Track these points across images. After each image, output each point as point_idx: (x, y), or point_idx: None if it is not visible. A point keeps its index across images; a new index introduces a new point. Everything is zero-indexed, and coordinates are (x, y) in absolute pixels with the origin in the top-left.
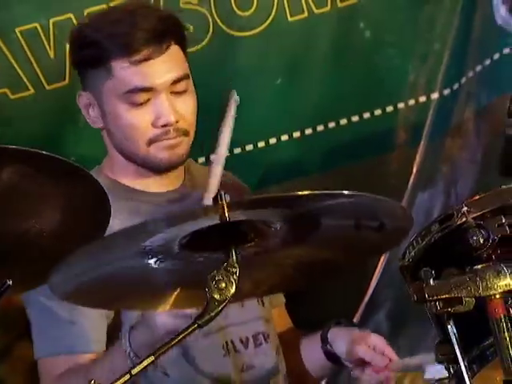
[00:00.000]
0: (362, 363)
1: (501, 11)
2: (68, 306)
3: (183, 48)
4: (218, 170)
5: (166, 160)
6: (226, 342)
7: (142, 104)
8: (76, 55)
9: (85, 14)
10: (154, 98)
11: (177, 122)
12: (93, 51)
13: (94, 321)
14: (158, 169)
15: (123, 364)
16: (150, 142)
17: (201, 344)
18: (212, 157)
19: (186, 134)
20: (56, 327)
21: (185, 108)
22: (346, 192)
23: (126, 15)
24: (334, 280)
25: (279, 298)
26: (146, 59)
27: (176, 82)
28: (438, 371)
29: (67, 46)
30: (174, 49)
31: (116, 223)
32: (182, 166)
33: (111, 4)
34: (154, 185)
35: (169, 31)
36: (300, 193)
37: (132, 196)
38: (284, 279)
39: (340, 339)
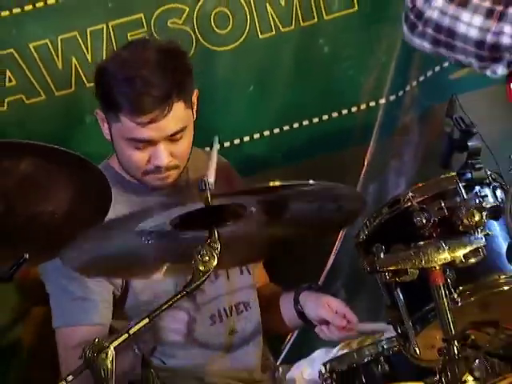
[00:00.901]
0: (326, 322)
1: (404, 29)
2: (80, 284)
3: (186, 99)
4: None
5: (158, 186)
6: (218, 311)
7: (141, 148)
8: (95, 84)
9: (87, 31)
10: (152, 146)
11: (169, 161)
12: (107, 99)
13: (102, 297)
14: (153, 189)
15: None
16: (145, 173)
17: (196, 316)
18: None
19: (176, 167)
20: (70, 302)
21: (178, 150)
22: (311, 181)
23: (134, 74)
24: (300, 252)
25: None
26: (150, 122)
27: (174, 134)
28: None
29: (73, 59)
30: (178, 106)
31: (118, 209)
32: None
33: (111, 24)
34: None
35: (174, 90)
36: (271, 184)
37: (129, 184)
38: (259, 251)
39: (309, 302)
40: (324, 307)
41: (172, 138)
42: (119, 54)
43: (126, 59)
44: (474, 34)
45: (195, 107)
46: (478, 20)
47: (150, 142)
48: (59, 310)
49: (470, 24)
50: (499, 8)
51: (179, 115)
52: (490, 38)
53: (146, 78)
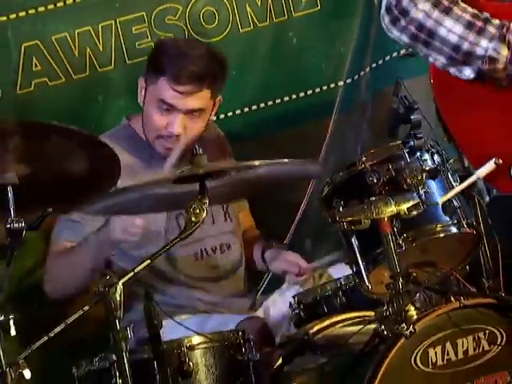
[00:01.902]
0: (285, 272)
1: (385, 20)
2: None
3: (214, 90)
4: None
5: (162, 154)
6: (201, 250)
7: (164, 111)
8: (149, 55)
9: (99, 26)
10: (173, 113)
11: (179, 135)
12: (156, 62)
13: (91, 224)
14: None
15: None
16: (157, 137)
17: (183, 252)
18: None
19: (178, 140)
20: (66, 222)
21: (191, 127)
22: (286, 160)
23: (186, 53)
24: (275, 205)
25: (244, 204)
26: (181, 92)
27: (193, 111)
28: (342, 271)
29: (87, 49)
30: (205, 92)
31: (128, 160)
32: None
33: (118, 20)
34: None
35: (209, 79)
36: (254, 163)
37: (144, 144)
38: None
39: (272, 260)
40: (282, 261)
41: (191, 114)
42: (179, 39)
43: (184, 42)
44: (453, 39)
45: (215, 111)
46: (458, 28)
47: (173, 109)
48: (57, 227)
49: (451, 30)
50: (479, 23)
51: (203, 99)
52: (466, 45)
53: (194, 60)
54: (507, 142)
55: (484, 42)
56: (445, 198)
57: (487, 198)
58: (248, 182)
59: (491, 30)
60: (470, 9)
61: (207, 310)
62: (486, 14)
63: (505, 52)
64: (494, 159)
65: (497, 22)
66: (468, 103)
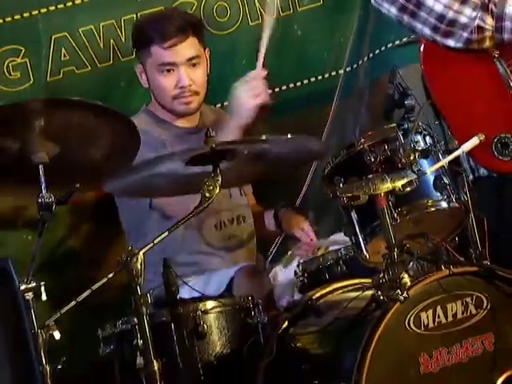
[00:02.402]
0: (295, 238)
1: None
2: None
3: (199, 38)
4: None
5: (183, 111)
6: (219, 221)
7: (168, 72)
8: (133, 41)
9: (122, 19)
10: (176, 70)
11: (190, 85)
12: (142, 39)
13: None
14: (180, 115)
15: None
16: (174, 98)
17: (206, 223)
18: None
19: (197, 93)
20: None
21: (196, 76)
22: (289, 135)
23: (163, 17)
24: (281, 182)
25: (249, 189)
26: (171, 46)
27: (190, 59)
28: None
29: (111, 40)
30: (192, 40)
31: (145, 139)
32: (197, 112)
33: (140, 13)
34: (180, 121)
35: (189, 27)
36: (261, 137)
37: (164, 126)
38: (248, 179)
39: (284, 219)
40: (295, 227)
41: (189, 63)
42: (150, 14)
43: (156, 13)
44: (438, 8)
45: (209, 64)
46: None
47: (173, 66)
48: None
49: (437, 0)
50: None
51: (193, 46)
52: (451, 14)
53: (171, 17)
54: (490, 120)
55: (468, 11)
56: (433, 169)
57: (471, 177)
58: (258, 165)
59: None
60: None
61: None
62: None
63: (490, 21)
64: (478, 135)
65: None
66: (455, 85)
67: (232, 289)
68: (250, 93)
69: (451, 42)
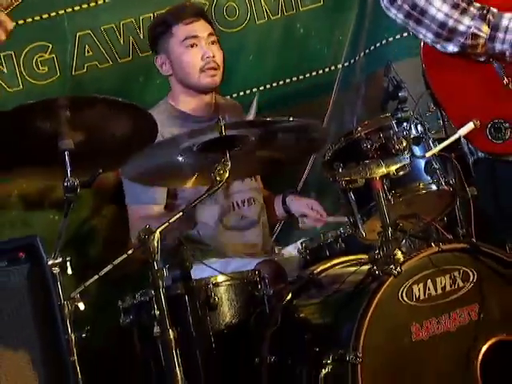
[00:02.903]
0: (304, 216)
1: (384, 1)
2: None
3: (212, 28)
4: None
5: (209, 83)
6: (232, 203)
7: (192, 46)
8: (152, 35)
9: (140, 18)
10: (199, 44)
11: (213, 56)
12: (162, 25)
13: (161, 189)
14: (204, 90)
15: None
16: (201, 70)
17: (221, 204)
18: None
19: (218, 68)
20: (138, 188)
21: (216, 51)
22: (291, 118)
23: (177, 6)
24: (283, 169)
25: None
26: (190, 23)
27: (209, 35)
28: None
29: (130, 37)
30: (206, 24)
31: (168, 131)
32: (214, 93)
33: (156, 13)
34: (196, 111)
35: (199, 13)
36: (267, 119)
37: (181, 116)
38: (256, 168)
39: (293, 201)
40: (304, 205)
41: (209, 40)
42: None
43: (170, 8)
44: (440, 17)
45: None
46: (445, 8)
47: (196, 39)
48: (130, 194)
49: (439, 9)
50: (463, 4)
51: (207, 25)
52: (451, 22)
53: (184, 5)
54: (484, 107)
55: (466, 20)
56: (431, 153)
57: (471, 159)
58: (266, 155)
59: (473, 10)
60: None
61: (231, 256)
62: None
63: (485, 29)
64: (473, 121)
65: (478, 4)
66: (452, 76)
67: None
68: None
69: (450, 47)
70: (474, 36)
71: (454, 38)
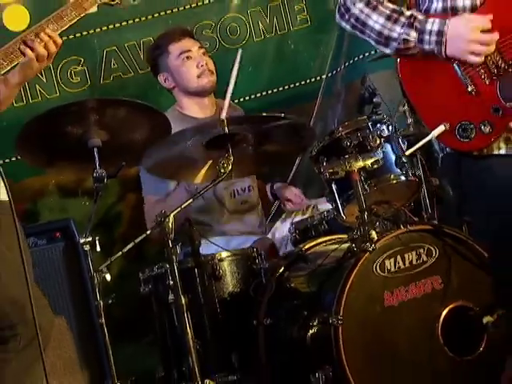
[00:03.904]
0: (289, 200)
1: (337, 16)
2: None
3: (200, 46)
4: (227, 100)
5: (207, 84)
6: (233, 190)
7: (187, 59)
8: (152, 57)
9: (156, 36)
10: (192, 56)
11: (206, 64)
12: (159, 48)
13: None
14: (203, 92)
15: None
16: (198, 76)
17: (226, 192)
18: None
19: (212, 73)
20: (153, 182)
21: (207, 60)
22: (282, 114)
23: (168, 30)
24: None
25: None
26: (180, 40)
27: (199, 48)
28: (326, 206)
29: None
30: (191, 38)
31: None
32: (212, 95)
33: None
34: (201, 114)
35: (187, 33)
36: (263, 114)
37: (187, 119)
38: (254, 165)
39: (280, 188)
40: (288, 192)
41: (200, 51)
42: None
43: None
44: (377, 27)
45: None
46: (381, 20)
47: (190, 52)
48: (147, 185)
49: (376, 21)
50: (395, 16)
51: (196, 42)
52: (386, 31)
53: (174, 28)
54: (453, 111)
55: (398, 29)
56: (410, 151)
57: (441, 155)
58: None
59: (403, 19)
60: (391, 6)
61: (233, 234)
62: (402, 9)
63: (413, 34)
64: (444, 123)
65: (408, 13)
66: (425, 85)
67: None
68: None
69: (387, 51)
70: (405, 41)
71: (390, 43)
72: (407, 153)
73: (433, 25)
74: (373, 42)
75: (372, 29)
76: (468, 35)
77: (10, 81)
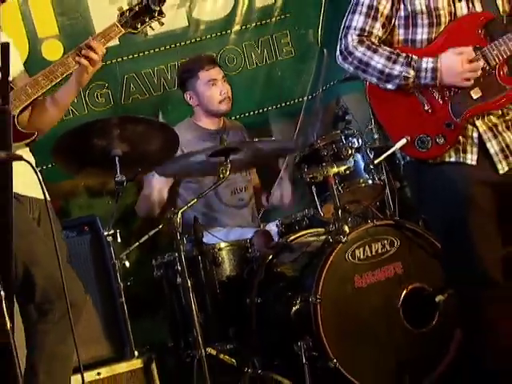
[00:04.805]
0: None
1: (339, 59)
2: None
3: (220, 67)
4: None
5: (225, 110)
6: (234, 188)
7: (213, 85)
8: (181, 78)
9: (169, 65)
10: (217, 84)
11: (227, 92)
12: (189, 72)
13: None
14: (221, 114)
15: None
16: (219, 102)
17: (226, 191)
18: None
19: (230, 99)
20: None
21: (227, 88)
22: (273, 138)
23: (198, 57)
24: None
25: (254, 172)
26: (210, 69)
27: (222, 77)
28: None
29: (162, 79)
30: (217, 67)
31: (188, 139)
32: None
33: (180, 61)
34: (211, 126)
35: (214, 62)
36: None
37: (199, 129)
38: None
39: (273, 195)
40: (278, 197)
41: (223, 79)
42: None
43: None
44: (379, 67)
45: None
46: (382, 60)
47: (216, 80)
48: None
49: (378, 62)
50: (393, 57)
51: (220, 71)
52: (387, 70)
53: (202, 57)
54: (412, 126)
55: (397, 67)
56: (378, 160)
57: (403, 162)
58: (256, 156)
59: (401, 59)
60: (388, 48)
61: (232, 226)
62: (397, 51)
63: (412, 72)
64: (405, 137)
65: (404, 54)
66: (389, 104)
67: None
68: None
69: (389, 86)
70: (405, 78)
71: (391, 80)
72: (376, 162)
73: (427, 63)
74: (374, 79)
75: (374, 68)
76: (459, 67)
77: (58, 100)
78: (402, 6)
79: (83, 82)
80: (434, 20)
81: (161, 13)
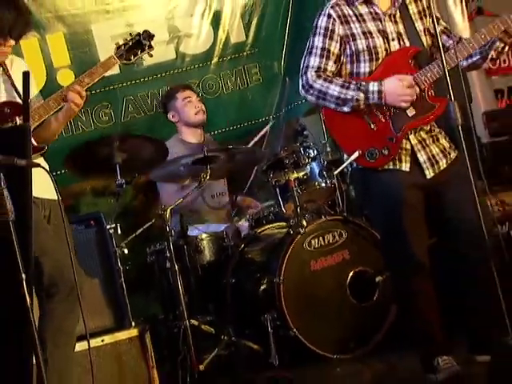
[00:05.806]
0: (249, 207)
1: (302, 91)
2: None
3: (193, 91)
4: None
5: (200, 119)
6: (214, 193)
7: (189, 102)
8: (163, 103)
9: (160, 90)
10: (192, 101)
11: (201, 106)
12: (169, 96)
13: None
14: (197, 124)
15: None
16: (195, 113)
17: (208, 194)
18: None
19: (204, 112)
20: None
21: (201, 104)
22: (249, 146)
23: (177, 86)
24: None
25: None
26: (185, 90)
27: (196, 96)
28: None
29: (154, 101)
30: (191, 90)
31: (176, 152)
32: (203, 130)
33: (169, 86)
34: (194, 140)
35: (188, 87)
36: (229, 147)
37: (185, 143)
38: (225, 174)
39: (240, 200)
40: (248, 201)
41: (197, 99)
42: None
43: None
44: (335, 94)
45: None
46: (337, 89)
47: (190, 98)
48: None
49: (334, 90)
50: (346, 84)
51: (193, 93)
52: (342, 95)
53: (182, 84)
54: (362, 141)
55: (351, 92)
56: (338, 170)
57: (351, 169)
58: (230, 166)
59: (352, 86)
60: (340, 79)
61: (211, 222)
62: (349, 80)
63: (362, 95)
64: (357, 150)
65: (354, 82)
66: (341, 123)
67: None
68: None
69: (345, 109)
70: (357, 100)
71: (346, 103)
72: (335, 172)
73: (373, 86)
74: (332, 105)
75: (332, 95)
76: (399, 91)
77: (59, 119)
78: (347, 46)
79: (70, 117)
80: (374, 56)
81: (150, 46)
